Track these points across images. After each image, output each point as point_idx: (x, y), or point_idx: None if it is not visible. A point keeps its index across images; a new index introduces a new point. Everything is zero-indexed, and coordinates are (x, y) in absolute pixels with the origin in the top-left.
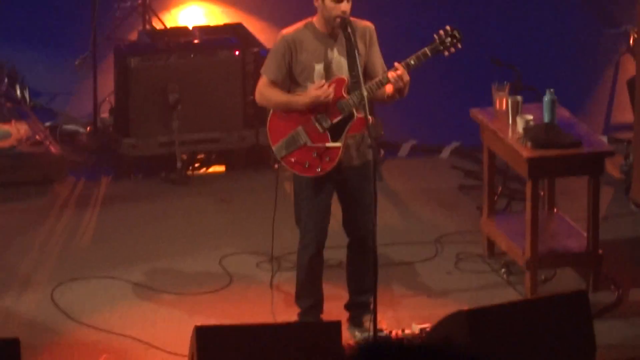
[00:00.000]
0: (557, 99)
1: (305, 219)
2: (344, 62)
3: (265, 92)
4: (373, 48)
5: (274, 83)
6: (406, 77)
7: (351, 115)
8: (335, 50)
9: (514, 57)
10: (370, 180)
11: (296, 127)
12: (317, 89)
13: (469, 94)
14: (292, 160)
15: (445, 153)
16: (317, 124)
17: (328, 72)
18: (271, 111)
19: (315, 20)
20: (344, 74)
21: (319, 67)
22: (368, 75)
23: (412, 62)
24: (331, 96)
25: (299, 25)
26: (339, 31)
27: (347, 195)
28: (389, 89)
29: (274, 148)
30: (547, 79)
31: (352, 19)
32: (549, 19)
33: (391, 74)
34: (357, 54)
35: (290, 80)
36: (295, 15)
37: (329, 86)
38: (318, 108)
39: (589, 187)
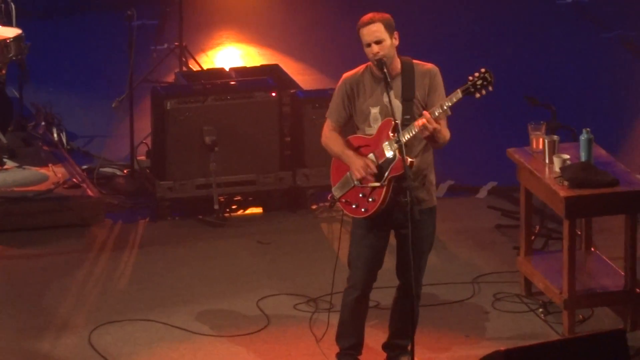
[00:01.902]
0: (593, 138)
1: (354, 259)
2: (399, 105)
3: (327, 137)
4: (434, 91)
5: (337, 126)
6: (432, 126)
7: (394, 157)
8: (392, 94)
9: (550, 96)
10: (427, 226)
11: (349, 169)
12: (363, 165)
13: (506, 133)
14: (344, 201)
15: (482, 193)
16: (354, 178)
17: (384, 116)
18: None
19: (371, 64)
20: (399, 117)
21: (374, 111)
22: None
23: (445, 106)
24: (367, 179)
25: (359, 68)
26: (397, 75)
27: (398, 241)
28: (422, 132)
29: (333, 189)
30: (584, 118)
31: (415, 61)
32: (585, 57)
33: (416, 123)
34: (411, 98)
35: (354, 123)
36: (331, 57)
37: (379, 129)
38: (369, 150)
39: (626, 225)
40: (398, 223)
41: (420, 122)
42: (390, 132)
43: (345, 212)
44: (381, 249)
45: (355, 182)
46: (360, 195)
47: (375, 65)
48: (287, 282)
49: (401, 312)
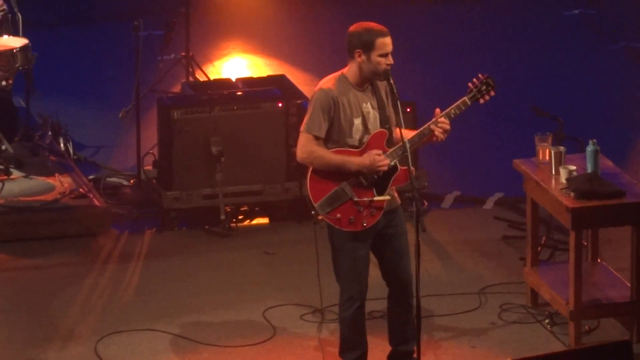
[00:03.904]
0: (600, 149)
1: (347, 273)
2: (376, 115)
3: (317, 150)
4: (391, 94)
5: (320, 139)
6: (449, 129)
7: (395, 168)
8: (369, 104)
9: (557, 107)
10: (404, 227)
11: (340, 183)
12: (377, 156)
13: (512, 145)
14: (337, 216)
15: (489, 204)
16: (362, 179)
17: (365, 127)
18: (311, 168)
19: (347, 73)
20: (378, 128)
21: (357, 122)
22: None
23: (453, 112)
24: (386, 167)
25: (334, 79)
26: (368, 84)
27: (385, 245)
28: (435, 137)
29: (316, 205)
30: (590, 129)
31: None
32: (591, 68)
33: (437, 129)
34: (399, 104)
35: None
36: (337, 67)
37: (369, 141)
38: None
39: (632, 236)
40: (381, 226)
41: (442, 127)
42: (384, 144)
43: (337, 227)
44: (367, 256)
45: (352, 196)
46: (359, 209)
47: (379, 75)
48: (294, 293)
49: (400, 317)
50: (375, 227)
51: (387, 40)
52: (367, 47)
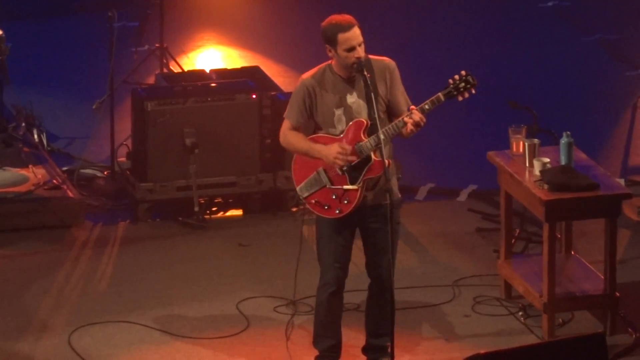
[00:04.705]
0: (574, 142)
1: (325, 257)
2: (363, 105)
3: (288, 136)
4: (395, 86)
5: (297, 126)
6: (423, 123)
7: (369, 158)
8: (354, 94)
9: (531, 99)
10: (387, 222)
11: (318, 168)
12: (340, 150)
13: (486, 137)
14: (313, 201)
15: (463, 196)
16: (336, 167)
17: (348, 117)
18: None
19: (333, 64)
20: (364, 117)
21: (338, 112)
22: (393, 113)
23: (427, 107)
24: (349, 160)
25: (317, 69)
26: (357, 74)
27: (366, 237)
28: (406, 129)
29: (297, 188)
30: (564, 122)
31: (371, 56)
32: (565, 61)
33: (409, 120)
34: (374, 97)
35: (314, 123)
36: (312, 58)
37: (347, 130)
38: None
39: (606, 229)
40: (366, 218)
41: (414, 119)
42: (362, 133)
43: (314, 212)
44: (349, 245)
45: (327, 183)
46: (333, 196)
47: (350, 68)
48: (267, 285)
49: (376, 309)
50: (355, 216)
51: (349, 34)
52: (332, 42)
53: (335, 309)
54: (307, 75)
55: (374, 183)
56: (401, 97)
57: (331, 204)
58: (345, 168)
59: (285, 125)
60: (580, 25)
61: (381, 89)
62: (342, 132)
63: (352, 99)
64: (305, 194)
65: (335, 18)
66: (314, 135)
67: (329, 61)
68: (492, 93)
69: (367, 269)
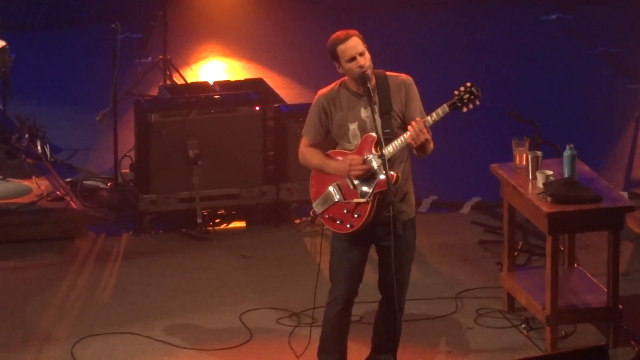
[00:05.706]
0: (577, 154)
1: (336, 273)
2: (378, 120)
3: (305, 153)
4: (411, 102)
5: (314, 143)
6: (424, 135)
7: (378, 173)
8: (369, 109)
9: (534, 112)
10: (409, 238)
11: (331, 183)
12: (351, 162)
13: (489, 149)
14: (327, 216)
15: (466, 208)
16: (348, 181)
17: (362, 132)
18: None
19: (346, 80)
20: (380, 132)
21: (353, 127)
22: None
23: (431, 119)
24: (360, 174)
25: (333, 85)
26: (369, 90)
27: (380, 255)
28: (410, 142)
29: (313, 204)
30: (567, 134)
31: (387, 73)
32: (568, 74)
33: (408, 133)
34: (379, 111)
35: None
36: (315, 71)
37: (359, 145)
38: None
39: (609, 242)
40: (379, 236)
41: (413, 131)
42: (372, 148)
43: (329, 227)
44: (362, 263)
45: (339, 198)
46: (345, 211)
47: (358, 80)
48: (270, 296)
49: (384, 326)
50: (368, 233)
51: (347, 45)
52: (335, 57)
53: (342, 325)
54: (322, 91)
55: (386, 199)
56: (417, 113)
57: (343, 218)
58: (356, 182)
59: (303, 142)
60: (584, 38)
61: (396, 105)
62: (356, 146)
63: (366, 113)
64: (320, 210)
65: (335, 33)
66: (329, 152)
67: (344, 77)
68: (494, 106)
69: (379, 286)
